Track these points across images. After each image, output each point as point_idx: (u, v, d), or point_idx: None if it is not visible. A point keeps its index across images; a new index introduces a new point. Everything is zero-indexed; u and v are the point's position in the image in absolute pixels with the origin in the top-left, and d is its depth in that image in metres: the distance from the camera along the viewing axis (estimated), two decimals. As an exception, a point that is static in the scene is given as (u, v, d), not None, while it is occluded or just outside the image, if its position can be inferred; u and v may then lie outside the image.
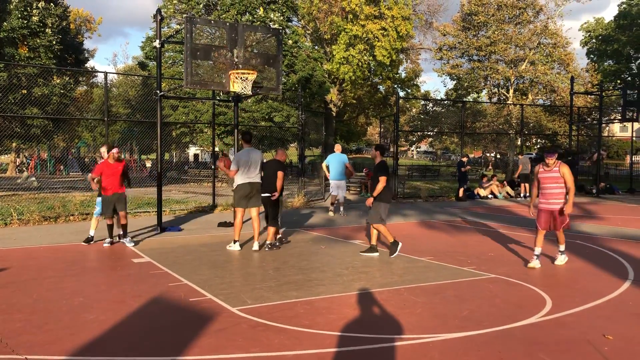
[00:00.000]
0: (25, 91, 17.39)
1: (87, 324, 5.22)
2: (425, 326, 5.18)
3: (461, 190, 19.84)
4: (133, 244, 9.55)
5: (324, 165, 15.10)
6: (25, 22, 17.37)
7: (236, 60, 10.43)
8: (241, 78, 10.07)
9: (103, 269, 7.84)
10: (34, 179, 25.82)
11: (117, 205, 9.54)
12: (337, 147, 15.23)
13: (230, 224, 12.29)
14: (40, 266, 7.93)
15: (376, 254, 8.79)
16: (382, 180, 8.47)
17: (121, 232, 9.70)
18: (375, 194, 8.53)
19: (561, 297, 6.25)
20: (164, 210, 14.25)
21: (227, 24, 10.69)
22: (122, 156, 9.89)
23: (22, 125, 17.93)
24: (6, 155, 37.44)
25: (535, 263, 7.86)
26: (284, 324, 5.21)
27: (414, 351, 4.56)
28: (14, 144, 31.41)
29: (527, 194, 20.15)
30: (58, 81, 19.08)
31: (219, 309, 5.75)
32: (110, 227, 9.66)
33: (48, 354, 4.46)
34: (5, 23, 16.79)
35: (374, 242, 8.93)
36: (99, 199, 9.70)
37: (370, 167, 27.37)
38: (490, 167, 22.23)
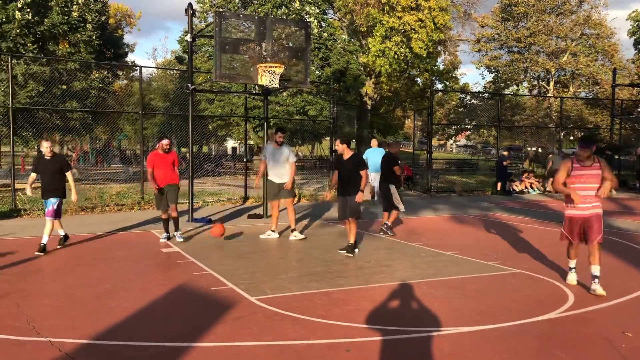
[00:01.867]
0: (65, 86, 17.95)
1: (111, 311, 5.40)
2: (441, 320, 5.17)
3: (499, 184, 19.53)
4: (183, 240, 9.23)
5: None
6: (66, 17, 17.92)
7: (264, 53, 10.53)
8: (269, 71, 10.16)
9: (132, 258, 8.05)
10: (75, 170, 26.61)
11: (168, 196, 9.21)
12: (374, 142, 15.97)
13: (260, 216, 12.45)
14: (74, 254, 8.22)
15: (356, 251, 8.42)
16: (365, 175, 8.19)
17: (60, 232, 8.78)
18: (362, 187, 8.17)
19: (585, 293, 6.12)
20: (197, 202, 14.54)
21: (256, 17, 10.80)
22: (172, 147, 9.63)
23: (62, 119, 18.54)
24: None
25: (572, 277, 6.60)
26: (300, 314, 5.28)
27: (425, 344, 4.56)
28: (57, 137, 32.49)
29: None
30: (97, 75, 19.63)
31: (238, 298, 5.86)
32: (165, 222, 9.38)
33: (70, 337, 4.64)
34: (46, 19, 17.36)
35: (352, 239, 8.36)
36: (52, 200, 8.28)
37: (407, 161, 27.13)
38: (528, 161, 21.79)
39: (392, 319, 5.20)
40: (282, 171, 9.63)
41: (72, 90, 18.19)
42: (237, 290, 6.17)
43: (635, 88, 28.20)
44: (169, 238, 9.36)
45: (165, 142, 9.29)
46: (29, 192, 8.81)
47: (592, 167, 6.25)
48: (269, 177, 9.80)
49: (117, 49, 24.18)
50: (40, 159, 8.52)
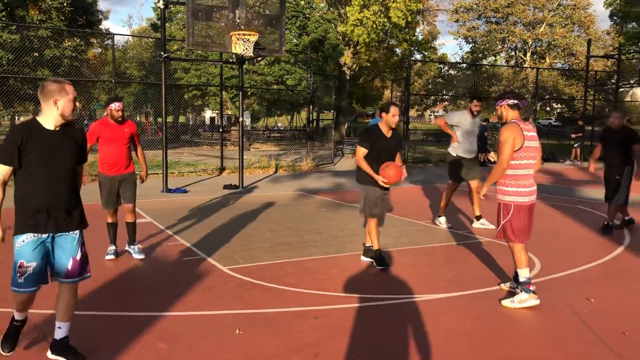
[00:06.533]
0: (36, 54, 17.52)
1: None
2: (409, 287, 5.26)
3: (482, 155, 19.69)
4: (143, 256, 6.27)
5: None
6: (35, -17, 17.45)
7: (238, 21, 10.36)
8: (243, 39, 10.01)
9: (101, 228, 7.97)
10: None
11: (122, 191, 6.17)
12: (378, 113, 16.42)
13: (236, 187, 12.41)
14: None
15: None
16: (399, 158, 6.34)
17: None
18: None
19: (552, 261, 6.26)
20: (172, 172, 14.45)
21: (230, -16, 10.58)
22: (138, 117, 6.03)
23: (35, 87, 18.17)
24: (23, 118, 37.92)
25: (532, 298, 4.73)
26: (270, 283, 5.32)
27: (393, 310, 4.65)
28: (31, 107, 31.81)
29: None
30: (69, 43, 19.17)
31: (210, 268, 5.88)
32: (111, 228, 6.34)
33: (38, 308, 4.60)
34: (15, -16, 16.86)
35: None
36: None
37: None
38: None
39: (362, 287, 5.27)
40: (474, 147, 8.42)
41: (44, 58, 17.77)
42: (210, 260, 6.18)
43: (610, 60, 28.45)
44: (117, 253, 6.31)
45: (115, 105, 5.98)
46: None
47: (532, 130, 4.87)
48: (459, 153, 8.37)
49: (90, 16, 23.60)
50: None
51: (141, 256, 6.22)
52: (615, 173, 7.88)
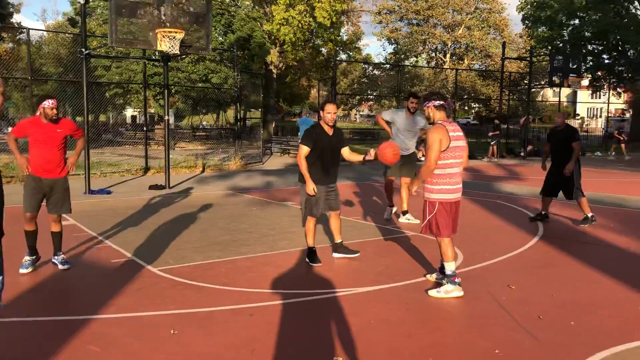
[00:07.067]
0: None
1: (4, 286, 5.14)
2: (341, 281, 5.40)
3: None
4: (68, 266, 5.77)
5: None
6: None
7: (164, 18, 10.18)
8: (169, 37, 9.85)
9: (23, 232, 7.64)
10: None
11: (51, 199, 5.70)
12: (305, 112, 18.92)
13: (162, 187, 12.18)
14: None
15: None
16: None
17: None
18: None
19: (473, 252, 6.60)
20: (94, 173, 13.97)
21: (154, -20, 10.38)
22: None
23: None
24: None
25: (457, 290, 4.97)
26: (203, 283, 5.31)
27: (325, 304, 4.77)
28: None
29: None
30: (-22, 37, 18.09)
31: (140, 269, 5.78)
32: (30, 237, 5.67)
33: (-43, 316, 4.39)
34: None
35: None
36: None
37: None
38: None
39: (295, 283, 5.36)
40: (410, 143, 8.41)
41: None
42: (139, 261, 6.08)
43: (523, 61, 30.03)
44: (34, 264, 5.73)
45: (49, 103, 5.49)
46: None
47: (457, 130, 5.16)
48: None
49: (0, 9, 22.34)
50: None
51: (66, 266, 5.74)
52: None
